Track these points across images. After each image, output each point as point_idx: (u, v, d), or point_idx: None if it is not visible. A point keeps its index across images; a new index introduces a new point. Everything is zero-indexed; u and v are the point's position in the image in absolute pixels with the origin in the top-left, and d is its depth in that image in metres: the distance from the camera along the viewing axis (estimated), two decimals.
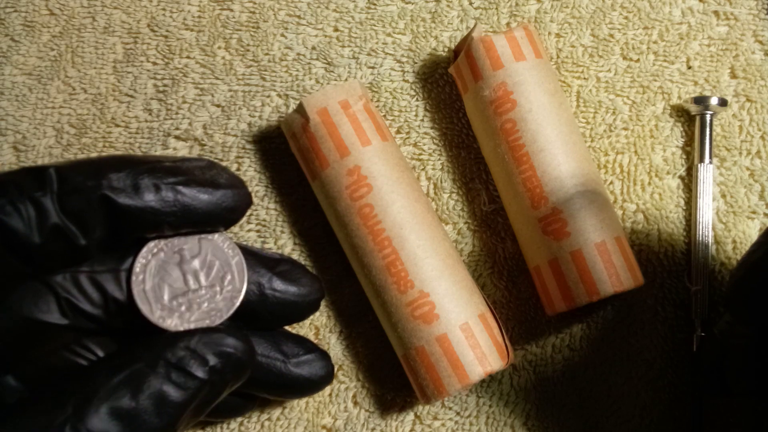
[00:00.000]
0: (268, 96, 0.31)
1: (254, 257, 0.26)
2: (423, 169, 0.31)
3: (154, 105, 0.32)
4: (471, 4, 0.32)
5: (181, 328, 0.23)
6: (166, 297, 0.24)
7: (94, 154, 0.31)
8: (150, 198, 0.23)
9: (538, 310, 0.29)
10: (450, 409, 0.29)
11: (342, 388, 0.29)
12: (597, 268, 0.26)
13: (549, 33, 0.31)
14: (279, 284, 0.26)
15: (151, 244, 0.24)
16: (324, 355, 0.27)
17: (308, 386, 0.26)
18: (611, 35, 0.31)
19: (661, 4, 0.31)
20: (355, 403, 0.29)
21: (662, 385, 0.29)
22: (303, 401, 0.29)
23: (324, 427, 0.29)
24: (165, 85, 0.32)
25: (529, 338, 0.29)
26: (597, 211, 0.27)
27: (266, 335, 0.26)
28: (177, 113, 0.31)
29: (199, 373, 0.22)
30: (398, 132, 0.31)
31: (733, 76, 0.31)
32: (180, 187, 0.23)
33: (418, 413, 0.29)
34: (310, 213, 0.30)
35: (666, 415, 0.28)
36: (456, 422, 0.29)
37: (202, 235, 0.24)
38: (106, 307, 0.23)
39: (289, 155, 0.30)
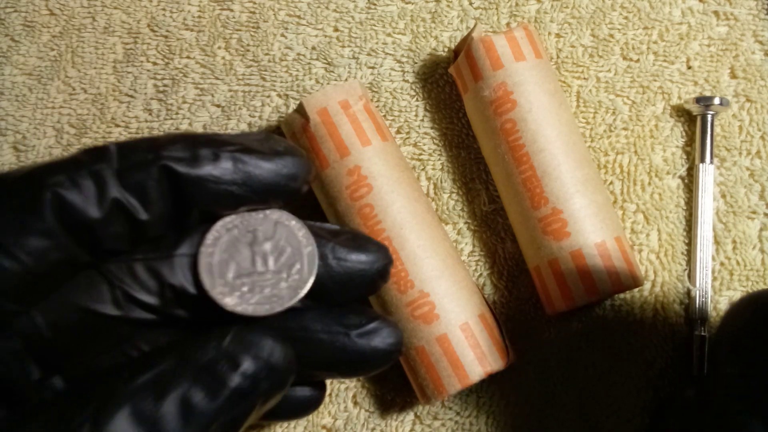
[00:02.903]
0: (268, 96, 0.31)
1: (313, 229, 0.24)
2: (423, 169, 0.31)
3: (154, 105, 0.32)
4: (471, 4, 0.32)
5: (239, 309, 0.22)
6: (230, 274, 0.23)
7: None
8: (210, 167, 0.22)
9: (538, 310, 0.29)
10: (450, 409, 0.29)
11: (342, 388, 0.29)
12: (597, 268, 0.26)
13: (549, 33, 0.31)
14: (343, 252, 0.23)
15: (227, 219, 0.23)
16: (389, 323, 0.24)
17: (377, 358, 0.24)
18: (611, 35, 0.31)
19: (661, 4, 0.31)
20: (355, 403, 0.29)
21: (662, 385, 0.29)
22: None
23: (324, 427, 0.29)
24: (165, 85, 0.32)
25: (529, 338, 0.29)
26: (597, 211, 0.27)
27: (323, 311, 0.24)
28: (177, 113, 0.31)
29: (230, 378, 0.20)
30: (398, 132, 0.31)
31: (733, 76, 0.31)
32: (239, 155, 0.22)
33: (418, 413, 0.29)
34: (310, 213, 0.30)
35: None
36: (456, 422, 0.29)
37: (279, 219, 0.24)
38: (162, 295, 0.22)
39: None
